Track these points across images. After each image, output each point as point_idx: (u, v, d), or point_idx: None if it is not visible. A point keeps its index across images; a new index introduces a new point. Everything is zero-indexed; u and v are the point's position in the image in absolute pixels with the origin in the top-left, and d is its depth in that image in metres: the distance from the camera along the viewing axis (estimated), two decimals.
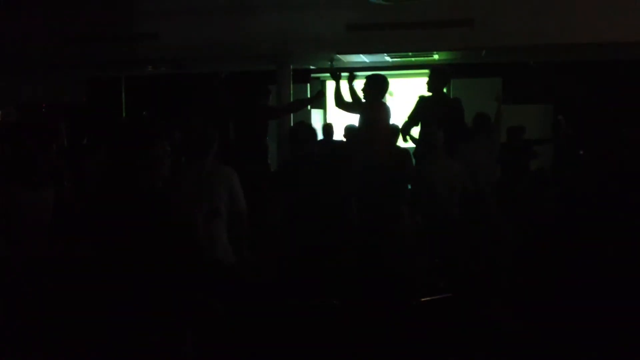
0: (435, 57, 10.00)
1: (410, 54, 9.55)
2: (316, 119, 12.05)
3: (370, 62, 10.44)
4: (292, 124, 7.52)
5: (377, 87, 6.33)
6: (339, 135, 9.56)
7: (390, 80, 6.76)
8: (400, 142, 7.65)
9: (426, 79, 6.90)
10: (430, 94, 6.79)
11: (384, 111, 6.32)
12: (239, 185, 4.05)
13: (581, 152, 8.64)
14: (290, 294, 3.14)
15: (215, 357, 2.75)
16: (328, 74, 11.71)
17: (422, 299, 3.05)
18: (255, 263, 3.73)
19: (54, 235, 3.20)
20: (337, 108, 6.85)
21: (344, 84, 6.80)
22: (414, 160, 6.96)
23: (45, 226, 3.25)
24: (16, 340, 2.43)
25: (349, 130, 8.50)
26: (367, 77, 6.45)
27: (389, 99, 6.77)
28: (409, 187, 5.88)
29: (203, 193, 3.90)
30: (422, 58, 10.07)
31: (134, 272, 2.63)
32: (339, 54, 9.50)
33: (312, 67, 11.46)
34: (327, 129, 9.90)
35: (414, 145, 7.25)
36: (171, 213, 2.86)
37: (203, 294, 2.67)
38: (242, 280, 3.52)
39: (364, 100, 6.42)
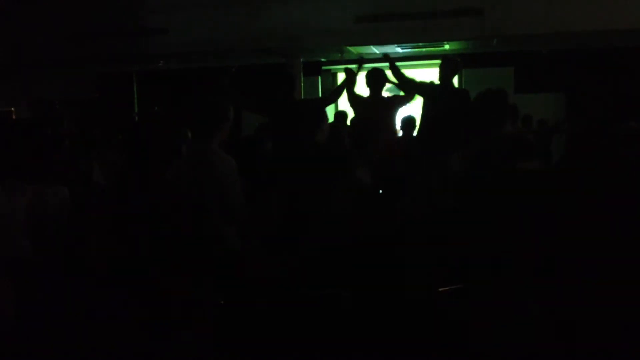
0: (446, 47, 9.96)
1: (420, 44, 9.51)
2: (329, 108, 12.02)
3: (381, 54, 10.41)
4: None
5: (377, 81, 6.34)
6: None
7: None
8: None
9: (437, 69, 6.88)
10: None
11: (384, 105, 6.36)
12: (235, 178, 3.77)
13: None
14: (298, 285, 3.14)
15: (220, 348, 2.77)
16: (339, 66, 11.74)
17: (434, 291, 3.05)
18: (263, 255, 3.71)
19: (69, 231, 3.22)
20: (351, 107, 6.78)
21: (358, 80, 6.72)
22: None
23: (59, 223, 3.27)
24: (30, 339, 2.46)
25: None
26: (367, 72, 6.46)
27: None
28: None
29: (197, 180, 3.64)
30: (432, 48, 10.03)
31: (146, 266, 2.65)
32: (349, 45, 9.49)
33: (322, 59, 11.44)
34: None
35: None
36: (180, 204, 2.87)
37: (205, 283, 2.68)
38: (246, 266, 3.50)
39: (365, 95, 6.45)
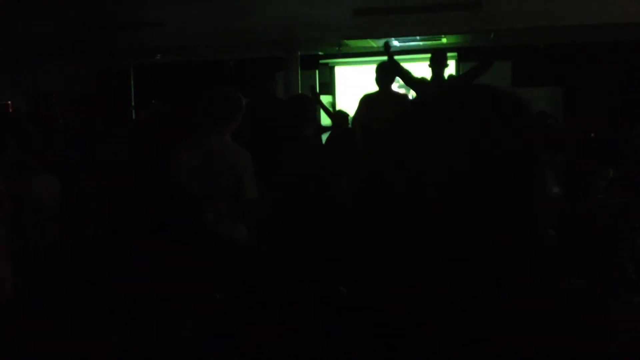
0: (444, 40, 9.96)
1: (418, 37, 9.51)
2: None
3: (378, 47, 10.40)
4: None
5: (386, 75, 6.30)
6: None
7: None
8: None
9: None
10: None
11: (396, 100, 6.31)
12: (251, 171, 3.74)
13: None
14: (296, 282, 3.14)
15: (217, 345, 2.77)
16: (336, 60, 11.73)
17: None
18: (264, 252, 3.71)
19: (63, 223, 3.21)
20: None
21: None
22: None
23: (52, 215, 3.27)
24: (27, 332, 2.46)
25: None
26: (377, 66, 6.42)
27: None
28: None
29: (210, 173, 3.73)
30: (430, 42, 10.02)
31: (143, 260, 2.64)
32: (347, 39, 9.48)
33: (320, 52, 11.43)
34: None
35: None
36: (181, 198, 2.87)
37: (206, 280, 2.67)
38: (249, 259, 3.50)
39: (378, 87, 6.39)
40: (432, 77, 6.33)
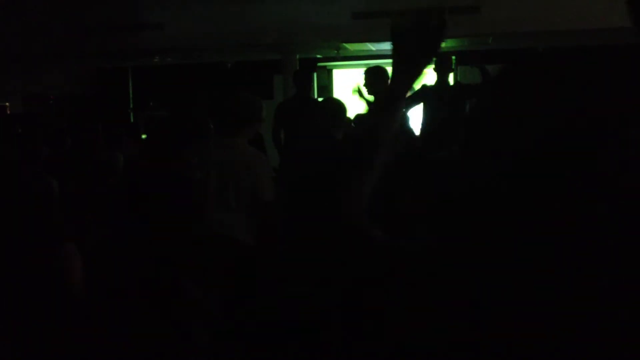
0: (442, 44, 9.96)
1: None
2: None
3: (377, 51, 10.41)
4: None
5: (380, 79, 6.29)
6: None
7: None
8: None
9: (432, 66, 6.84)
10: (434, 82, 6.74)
11: None
12: (267, 174, 3.79)
13: None
14: (298, 285, 3.14)
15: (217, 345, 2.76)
16: (334, 63, 11.71)
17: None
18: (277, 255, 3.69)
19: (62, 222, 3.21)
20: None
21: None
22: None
23: (51, 216, 3.26)
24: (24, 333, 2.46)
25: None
26: (366, 71, 6.42)
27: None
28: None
29: (226, 175, 3.66)
30: None
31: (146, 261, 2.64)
32: (345, 42, 9.48)
33: (318, 56, 11.44)
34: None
35: None
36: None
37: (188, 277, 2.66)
38: (254, 260, 3.49)
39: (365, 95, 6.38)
40: (437, 82, 6.31)
